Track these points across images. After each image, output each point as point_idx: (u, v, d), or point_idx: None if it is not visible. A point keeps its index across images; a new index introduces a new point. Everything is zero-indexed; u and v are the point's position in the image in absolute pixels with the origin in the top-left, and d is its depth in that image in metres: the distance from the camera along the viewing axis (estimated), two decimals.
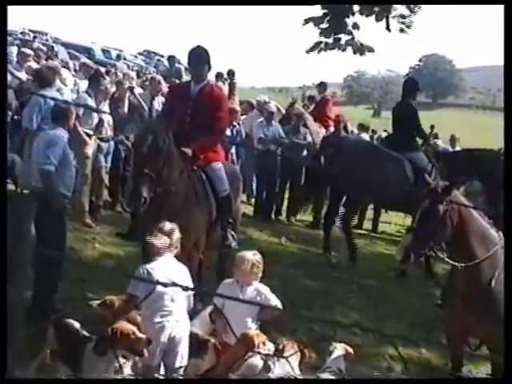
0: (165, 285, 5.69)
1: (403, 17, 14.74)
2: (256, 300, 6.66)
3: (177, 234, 6.54)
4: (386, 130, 25.47)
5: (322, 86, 18.47)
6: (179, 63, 24.72)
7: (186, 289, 6.02)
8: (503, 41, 6.51)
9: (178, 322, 6.11)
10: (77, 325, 6.07)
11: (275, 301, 6.82)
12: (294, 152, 14.88)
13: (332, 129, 16.29)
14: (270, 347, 6.21)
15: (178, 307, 6.13)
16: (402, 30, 14.83)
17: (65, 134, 8.32)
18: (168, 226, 6.56)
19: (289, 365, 5.93)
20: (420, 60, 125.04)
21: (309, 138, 15.21)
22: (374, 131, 25.80)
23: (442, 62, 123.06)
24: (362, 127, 19.09)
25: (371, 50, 15.40)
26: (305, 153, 15.23)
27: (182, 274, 6.33)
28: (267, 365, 5.69)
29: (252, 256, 6.86)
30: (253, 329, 6.50)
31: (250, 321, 6.64)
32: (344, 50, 15.42)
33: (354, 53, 15.34)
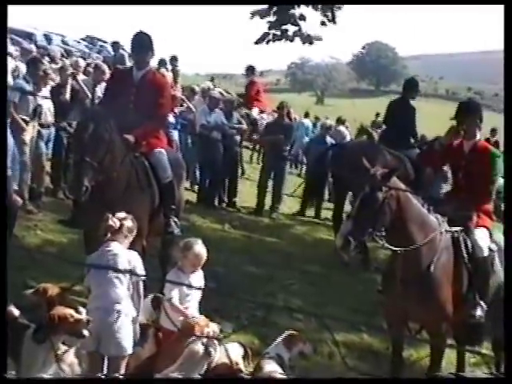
0: (116, 270, 5.66)
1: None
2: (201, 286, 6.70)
3: (128, 223, 6.44)
4: (327, 118, 25.66)
5: (250, 70, 18.35)
6: (123, 49, 24.48)
7: (135, 275, 5.96)
8: (503, 41, 6.51)
9: (118, 309, 6.01)
10: (16, 312, 5.98)
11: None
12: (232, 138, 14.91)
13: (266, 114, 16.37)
14: (214, 329, 6.22)
15: (120, 294, 6.04)
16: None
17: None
18: (121, 214, 6.48)
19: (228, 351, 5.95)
20: (363, 48, 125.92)
21: (243, 123, 15.30)
22: (316, 118, 26.01)
23: (384, 50, 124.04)
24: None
25: (319, 39, 15.50)
26: (238, 138, 15.28)
27: (131, 261, 6.24)
28: (208, 350, 5.68)
29: (201, 247, 6.86)
30: (198, 316, 6.50)
31: (196, 308, 6.66)
32: (292, 41, 15.50)
33: (303, 43, 15.42)
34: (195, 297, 6.69)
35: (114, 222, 6.18)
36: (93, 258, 6.19)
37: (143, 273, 6.30)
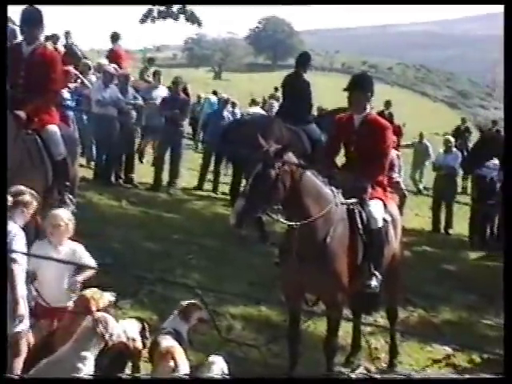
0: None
1: None
2: (72, 259, 6.46)
3: (24, 198, 6.22)
4: (215, 92, 25.70)
5: (114, 38, 17.97)
6: (14, 24, 23.82)
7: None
8: (503, 41, 6.48)
9: None
10: None
11: (89, 260, 6.61)
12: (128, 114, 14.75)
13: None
14: (109, 298, 6.14)
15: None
16: None
17: None
18: (14, 188, 6.26)
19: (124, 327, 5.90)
20: (260, 22, 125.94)
21: (139, 99, 15.19)
22: (215, 92, 25.97)
23: (281, 25, 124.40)
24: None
25: (200, 23, 15.57)
26: (134, 113, 15.15)
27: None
28: (98, 325, 5.54)
29: (65, 214, 6.68)
30: (67, 287, 6.34)
31: (65, 281, 6.46)
32: (177, 19, 15.42)
33: (187, 20, 15.36)
34: (63, 269, 6.45)
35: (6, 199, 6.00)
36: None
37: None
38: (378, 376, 7.12)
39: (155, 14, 15.14)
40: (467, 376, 6.20)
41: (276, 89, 26.43)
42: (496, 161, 13.00)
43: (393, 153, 16.67)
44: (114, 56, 17.45)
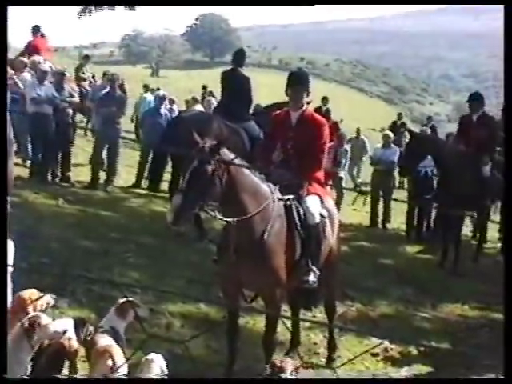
0: None
1: None
2: None
3: None
4: (158, 88, 25.59)
5: (34, 30, 17.69)
6: None
7: None
8: (503, 41, 6.48)
9: None
10: None
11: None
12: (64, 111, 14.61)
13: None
14: (47, 300, 6.07)
15: None
16: None
17: None
18: None
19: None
20: (197, 19, 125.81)
21: (76, 96, 15.06)
22: (152, 90, 25.84)
23: (218, 21, 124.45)
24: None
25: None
26: (70, 111, 15.02)
27: None
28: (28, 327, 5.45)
29: None
30: None
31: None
32: (113, 8, 15.34)
33: (125, 7, 15.31)
34: None
35: None
36: None
37: None
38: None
39: (92, 7, 15.03)
40: (467, 376, 6.26)
41: (204, 87, 26.54)
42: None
43: (341, 148, 16.89)
44: (31, 49, 17.26)
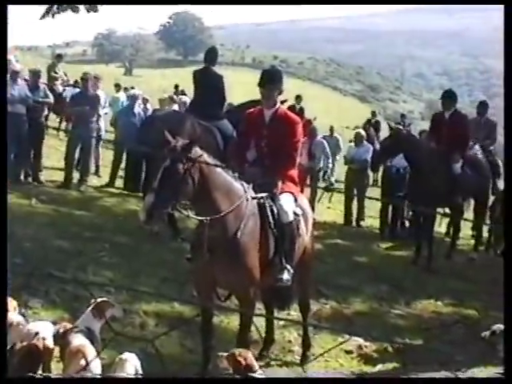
0: None
1: None
2: None
3: None
4: (132, 87, 25.48)
5: None
6: None
7: None
8: (503, 41, 6.46)
9: None
10: None
11: None
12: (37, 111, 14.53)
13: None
14: (13, 304, 6.06)
15: None
16: None
17: None
18: None
19: None
20: (170, 17, 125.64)
21: (50, 96, 14.98)
22: (125, 89, 25.74)
23: (191, 20, 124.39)
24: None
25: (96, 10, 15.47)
26: (45, 111, 14.95)
27: None
28: None
29: None
30: None
31: None
32: (76, 11, 15.28)
33: (88, 11, 15.24)
34: None
35: None
36: None
37: None
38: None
39: (55, 9, 14.94)
40: (467, 376, 6.28)
41: (176, 86, 26.45)
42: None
43: (314, 141, 16.87)
44: None
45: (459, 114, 13.33)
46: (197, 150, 6.58)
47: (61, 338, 6.01)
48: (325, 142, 17.72)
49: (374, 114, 28.34)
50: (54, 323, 6.48)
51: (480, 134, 14.10)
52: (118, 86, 25.73)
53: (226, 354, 5.85)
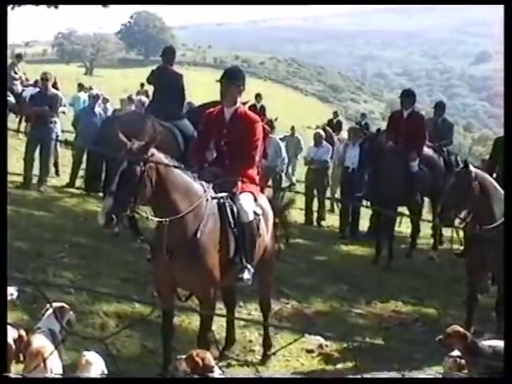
0: None
1: None
2: None
3: None
4: (91, 87, 25.32)
5: None
6: None
7: None
8: (503, 41, 6.44)
9: None
10: None
11: None
12: None
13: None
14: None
15: None
16: None
17: None
18: None
19: None
20: (131, 17, 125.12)
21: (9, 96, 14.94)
22: (86, 88, 25.60)
23: (152, 20, 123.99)
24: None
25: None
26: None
27: None
28: None
29: None
30: None
31: None
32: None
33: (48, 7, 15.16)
34: None
35: None
36: None
37: None
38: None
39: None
40: (467, 376, 6.29)
41: (142, 85, 26.33)
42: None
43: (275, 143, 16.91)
44: None
45: (417, 113, 13.49)
46: (153, 151, 6.58)
47: (20, 340, 5.98)
48: (279, 141, 17.78)
49: (336, 114, 28.42)
50: (13, 325, 6.45)
51: (437, 133, 14.21)
52: (81, 86, 25.59)
53: (184, 356, 5.85)
